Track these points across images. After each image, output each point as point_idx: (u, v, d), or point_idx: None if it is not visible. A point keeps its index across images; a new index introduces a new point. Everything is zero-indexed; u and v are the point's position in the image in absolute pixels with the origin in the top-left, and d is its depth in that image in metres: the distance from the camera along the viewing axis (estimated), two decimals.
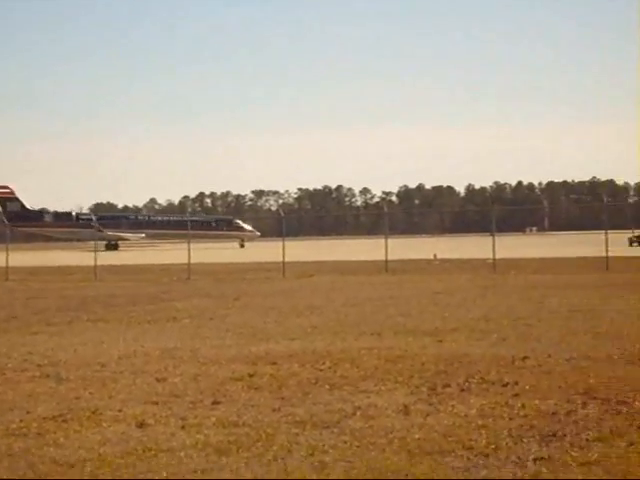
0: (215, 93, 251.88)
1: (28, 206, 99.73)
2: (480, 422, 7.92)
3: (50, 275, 39.05)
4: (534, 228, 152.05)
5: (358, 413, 8.40)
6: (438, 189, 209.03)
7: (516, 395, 9.08)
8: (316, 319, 17.28)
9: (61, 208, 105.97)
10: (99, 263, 37.53)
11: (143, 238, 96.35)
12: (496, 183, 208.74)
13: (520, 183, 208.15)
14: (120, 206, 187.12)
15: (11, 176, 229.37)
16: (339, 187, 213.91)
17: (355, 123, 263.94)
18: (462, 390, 9.44)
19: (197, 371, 11.08)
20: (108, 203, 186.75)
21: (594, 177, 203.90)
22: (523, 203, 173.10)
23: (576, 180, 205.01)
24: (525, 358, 11.47)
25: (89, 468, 6.76)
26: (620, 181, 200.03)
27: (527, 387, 9.49)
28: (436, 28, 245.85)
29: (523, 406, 8.54)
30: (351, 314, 18.26)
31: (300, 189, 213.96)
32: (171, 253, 58.00)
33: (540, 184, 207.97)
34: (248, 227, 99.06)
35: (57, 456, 7.10)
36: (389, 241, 37.64)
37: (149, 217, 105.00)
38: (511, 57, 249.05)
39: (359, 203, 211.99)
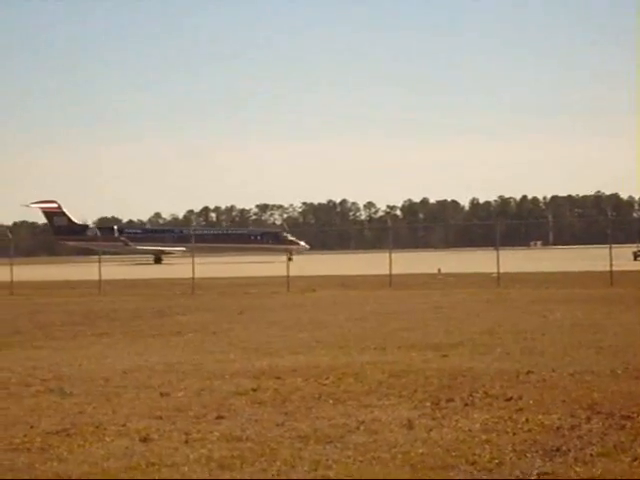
0: (219, 107, 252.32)
1: (75, 220, 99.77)
2: (484, 437, 7.91)
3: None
4: (539, 242, 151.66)
5: (362, 428, 8.40)
6: (442, 203, 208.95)
7: (520, 410, 9.07)
8: (320, 333, 17.27)
9: None
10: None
11: (184, 252, 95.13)
12: (500, 197, 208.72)
13: (525, 197, 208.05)
14: (125, 220, 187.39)
15: (20, 188, 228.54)
16: (343, 201, 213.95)
17: (359, 138, 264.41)
18: (466, 405, 9.44)
19: (201, 385, 11.08)
20: (113, 217, 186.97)
21: (598, 191, 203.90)
22: (527, 217, 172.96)
23: (580, 194, 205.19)
24: (529, 372, 11.46)
25: None
26: (624, 195, 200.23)
27: (531, 402, 9.48)
28: (448, 43, 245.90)
29: (527, 421, 8.53)
30: (355, 328, 18.26)
31: (304, 203, 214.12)
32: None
33: (545, 198, 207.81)
34: (297, 240, 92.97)
35: (61, 471, 7.10)
36: (393, 255, 37.63)
37: (194, 230, 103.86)
38: (515, 71, 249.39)
39: (363, 217, 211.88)
